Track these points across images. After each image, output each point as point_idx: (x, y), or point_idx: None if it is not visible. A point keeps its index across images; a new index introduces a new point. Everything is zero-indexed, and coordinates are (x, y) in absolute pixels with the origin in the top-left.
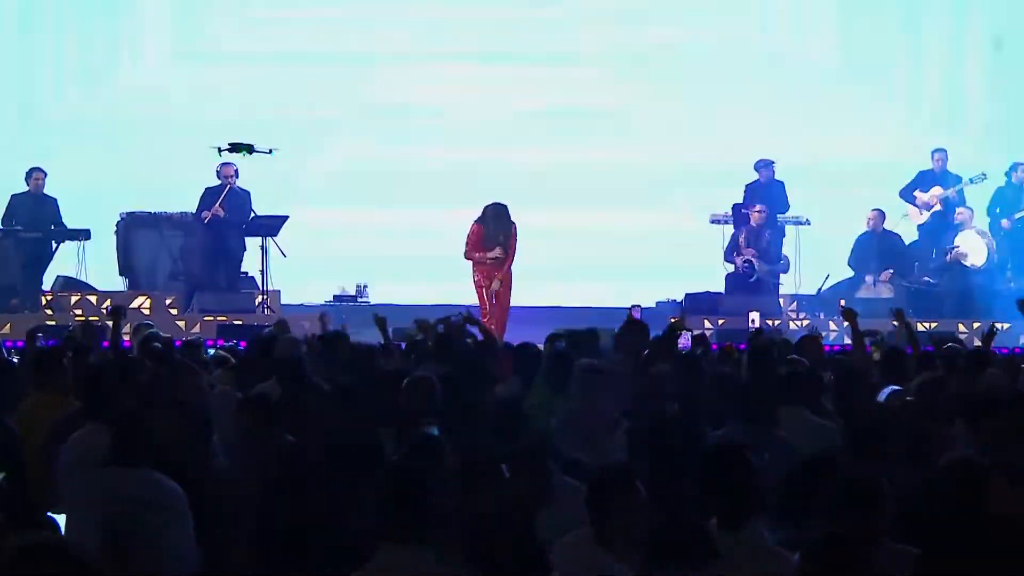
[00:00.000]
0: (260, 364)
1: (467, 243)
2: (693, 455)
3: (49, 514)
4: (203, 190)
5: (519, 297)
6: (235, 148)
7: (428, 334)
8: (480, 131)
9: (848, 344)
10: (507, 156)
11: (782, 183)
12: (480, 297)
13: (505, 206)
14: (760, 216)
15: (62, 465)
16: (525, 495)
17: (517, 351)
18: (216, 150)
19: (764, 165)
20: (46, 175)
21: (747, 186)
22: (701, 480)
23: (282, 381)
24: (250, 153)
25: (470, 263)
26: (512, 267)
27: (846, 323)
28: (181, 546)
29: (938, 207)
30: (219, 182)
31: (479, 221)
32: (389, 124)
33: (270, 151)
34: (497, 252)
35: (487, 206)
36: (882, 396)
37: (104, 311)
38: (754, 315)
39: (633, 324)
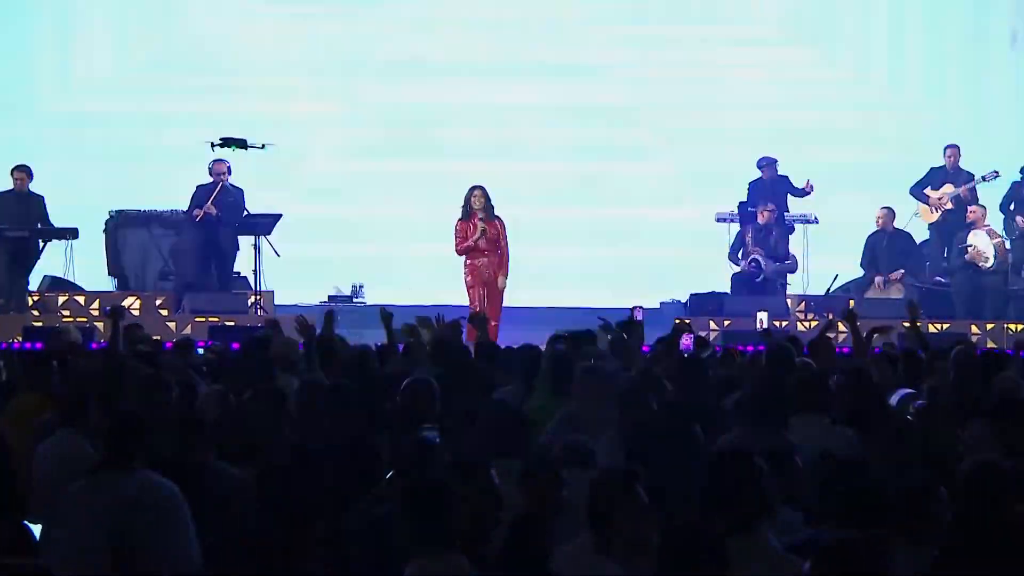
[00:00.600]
0: (253, 365)
1: (455, 238)
2: (694, 459)
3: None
4: (195, 188)
5: (520, 298)
6: (228, 143)
7: (425, 331)
8: (480, 128)
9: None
10: (507, 154)
11: (786, 178)
12: (471, 299)
13: (479, 187)
14: (769, 216)
15: (39, 473)
16: (537, 510)
17: (516, 353)
18: (209, 145)
19: (767, 163)
20: (31, 172)
21: (751, 184)
22: (707, 485)
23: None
24: (243, 148)
25: (463, 264)
26: (507, 262)
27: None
28: (181, 545)
29: (950, 205)
30: (211, 179)
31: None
32: (385, 118)
33: (263, 146)
34: (477, 233)
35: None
36: (894, 399)
37: (101, 311)
38: (762, 315)
39: (630, 325)
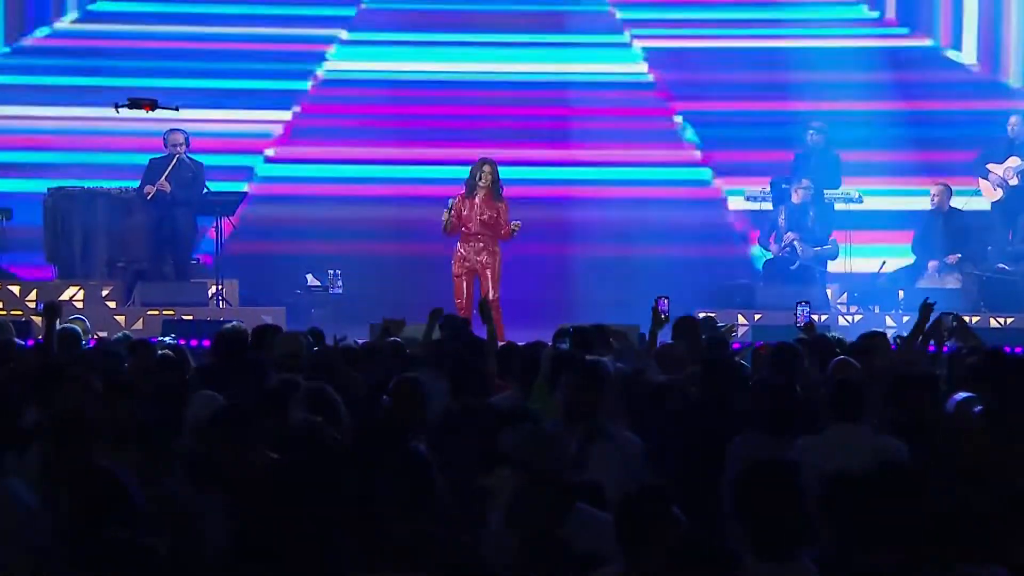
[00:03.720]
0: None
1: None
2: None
3: None
4: (147, 161)
5: (524, 290)
6: (136, 104)
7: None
8: (483, 93)
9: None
10: (512, 125)
11: (835, 152)
12: (457, 290)
13: (488, 162)
14: (804, 193)
15: None
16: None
17: (506, 353)
18: (114, 107)
19: (816, 129)
20: None
21: (797, 155)
22: (739, 501)
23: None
24: (153, 109)
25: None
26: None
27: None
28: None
29: (1015, 181)
30: (166, 152)
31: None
32: (367, 86)
33: (177, 108)
34: (444, 216)
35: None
36: (950, 405)
37: (38, 304)
38: (803, 307)
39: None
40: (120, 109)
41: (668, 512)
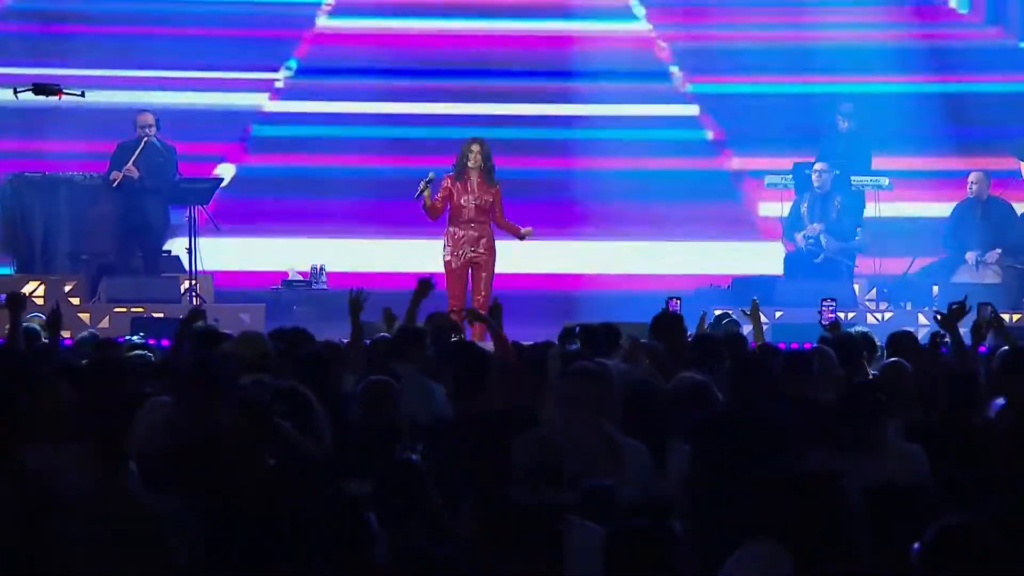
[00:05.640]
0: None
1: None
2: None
3: None
4: (115, 146)
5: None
6: (39, 90)
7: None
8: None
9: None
10: (515, 106)
11: (866, 135)
12: (448, 279)
13: (477, 141)
14: (821, 177)
15: None
16: None
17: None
18: (13, 92)
19: (845, 112)
20: None
21: (823, 139)
22: (775, 523)
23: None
24: (54, 95)
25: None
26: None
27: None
28: None
29: None
30: (136, 134)
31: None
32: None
33: (82, 93)
34: (420, 187)
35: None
36: (992, 409)
37: None
38: (828, 304)
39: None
40: (20, 94)
41: (671, 532)
